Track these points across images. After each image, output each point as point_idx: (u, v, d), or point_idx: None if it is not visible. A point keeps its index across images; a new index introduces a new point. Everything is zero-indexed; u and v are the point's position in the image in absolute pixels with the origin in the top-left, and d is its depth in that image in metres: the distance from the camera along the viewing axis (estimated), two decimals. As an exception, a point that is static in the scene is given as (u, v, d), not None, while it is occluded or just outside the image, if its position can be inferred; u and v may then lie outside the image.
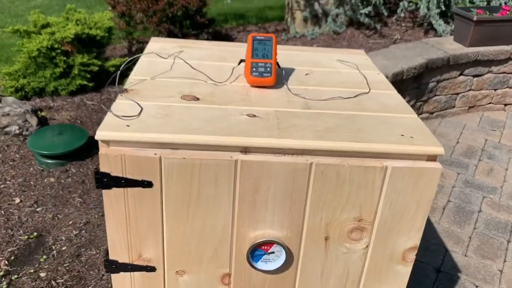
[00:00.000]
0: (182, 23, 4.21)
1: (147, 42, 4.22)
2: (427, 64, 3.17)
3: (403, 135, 1.04)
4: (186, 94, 1.15)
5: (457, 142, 3.39)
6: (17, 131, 3.16)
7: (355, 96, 1.22)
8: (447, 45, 3.41)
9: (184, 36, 4.19)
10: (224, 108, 1.10)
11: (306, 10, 4.53)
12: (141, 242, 1.05)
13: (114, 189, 1.00)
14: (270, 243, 1.06)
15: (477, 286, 2.26)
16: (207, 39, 4.26)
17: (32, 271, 2.22)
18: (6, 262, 2.27)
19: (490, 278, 2.32)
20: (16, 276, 2.19)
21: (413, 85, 3.24)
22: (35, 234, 2.43)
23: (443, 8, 4.26)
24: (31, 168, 2.89)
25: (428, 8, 4.20)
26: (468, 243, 2.53)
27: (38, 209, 2.60)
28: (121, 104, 1.08)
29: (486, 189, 2.96)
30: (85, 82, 3.67)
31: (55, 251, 2.34)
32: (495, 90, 3.63)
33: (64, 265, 2.26)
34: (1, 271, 2.21)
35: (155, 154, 0.96)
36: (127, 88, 1.15)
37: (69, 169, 2.89)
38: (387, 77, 2.92)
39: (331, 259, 1.09)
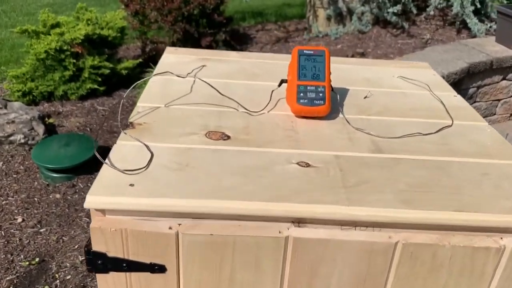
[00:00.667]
0: (198, 22, 3.88)
1: (161, 43, 3.90)
2: (468, 68, 2.80)
3: (523, 198, 0.71)
4: (212, 130, 0.83)
5: (499, 154, 3.03)
6: (22, 140, 2.87)
7: (437, 132, 0.89)
8: (489, 47, 3.04)
9: (201, 36, 3.86)
10: (265, 152, 0.78)
11: (329, 7, 4.17)
12: None
13: (112, 273, 0.68)
14: None
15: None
16: (225, 39, 3.93)
17: (32, 304, 1.93)
18: (4, 293, 1.98)
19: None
20: (14, 310, 1.91)
21: (452, 91, 2.88)
22: (37, 259, 2.14)
23: (478, 6, 3.87)
24: (36, 182, 2.60)
25: (462, 6, 3.82)
26: None
27: (41, 230, 2.30)
28: (124, 148, 0.76)
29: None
30: (95, 86, 3.37)
31: (58, 281, 2.04)
32: (539, 95, 3.25)
33: (68, 298, 1.97)
34: (-2, 304, 1.93)
35: (170, 228, 0.65)
36: (133, 122, 0.84)
37: (77, 184, 2.60)
38: (425, 83, 2.57)
39: None
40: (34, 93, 3.34)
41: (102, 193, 0.65)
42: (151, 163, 0.73)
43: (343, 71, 1.15)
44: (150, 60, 3.90)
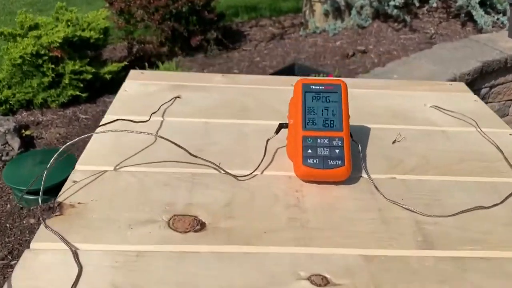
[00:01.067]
0: (188, 20, 3.57)
1: (149, 43, 3.59)
2: (482, 68, 2.52)
3: None
4: (180, 213, 0.55)
5: (514, 159, 2.77)
6: (-5, 157, 2.58)
7: (502, 201, 0.61)
8: (502, 43, 2.75)
9: (190, 34, 3.55)
10: (259, 257, 0.50)
11: (327, 1, 3.86)
12: None
13: None
14: None
15: None
16: (216, 37, 3.62)
17: None
18: None
19: None
20: None
21: (463, 93, 2.60)
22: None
23: (485, -3, 3.57)
24: (8, 205, 2.31)
25: (468, -3, 3.52)
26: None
27: (12, 263, 2.02)
28: (38, 257, 0.48)
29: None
30: (77, 93, 3.06)
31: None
32: (554, 94, 2.97)
33: None
34: None
35: None
36: (62, 203, 0.55)
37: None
38: (436, 86, 2.29)
39: None
40: (11, 101, 3.03)
41: None
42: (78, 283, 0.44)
43: (357, 99, 0.86)
44: (137, 61, 3.59)
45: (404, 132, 0.76)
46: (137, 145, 0.68)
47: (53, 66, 2.98)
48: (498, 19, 3.56)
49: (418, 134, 0.75)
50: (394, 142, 0.72)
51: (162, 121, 0.74)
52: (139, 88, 0.84)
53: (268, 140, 0.67)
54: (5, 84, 3.08)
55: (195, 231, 0.52)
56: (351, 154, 0.61)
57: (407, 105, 0.85)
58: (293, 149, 0.62)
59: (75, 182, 0.60)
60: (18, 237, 2.15)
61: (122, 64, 3.27)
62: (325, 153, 0.59)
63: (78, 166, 0.63)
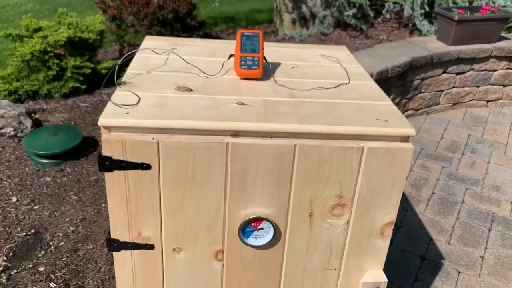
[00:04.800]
0: (172, 26, 4.31)
1: (138, 45, 4.31)
2: (411, 62, 3.30)
3: (378, 119, 1.15)
4: (180, 86, 1.26)
5: (442, 138, 3.52)
6: (12, 133, 3.24)
7: (336, 87, 1.34)
8: (431, 44, 3.55)
9: (175, 38, 4.28)
10: (216, 98, 1.21)
11: (294, 12, 4.66)
12: (140, 221, 1.16)
13: (115, 171, 1.10)
14: (259, 220, 1.16)
15: (459, 272, 2.38)
16: (198, 41, 4.36)
17: (30, 266, 2.30)
18: (5, 258, 2.34)
19: (472, 264, 2.44)
20: (15, 271, 2.27)
21: (398, 83, 3.37)
22: (32, 231, 2.51)
23: (427, 9, 4.41)
24: (27, 168, 2.97)
25: (412, 9, 4.35)
26: (451, 232, 2.66)
27: (35, 207, 2.68)
28: (121, 95, 1.18)
29: (468, 181, 3.10)
30: (78, 85, 3.75)
31: (52, 247, 2.42)
32: (477, 87, 3.78)
33: (62, 259, 2.35)
34: (0, 266, 2.29)
35: (153, 138, 1.07)
36: (125, 81, 1.26)
37: (64, 168, 2.98)
38: (372, 75, 3.05)
39: (316, 234, 1.20)
40: (19, 92, 3.70)
41: (109, 117, 1.07)
42: (139, 103, 1.15)
43: (281, 52, 1.59)
44: (128, 61, 4.31)
45: (298, 65, 1.48)
46: (156, 64, 1.39)
47: (57, 61, 3.67)
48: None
49: (306, 66, 1.48)
50: (292, 68, 1.45)
51: (168, 55, 1.45)
52: (153, 43, 1.56)
53: (224, 62, 1.40)
54: (14, 78, 3.76)
55: (188, 91, 1.23)
56: (265, 69, 1.33)
57: (306, 55, 1.58)
58: (236, 63, 1.34)
59: (127, 76, 1.30)
60: (38, 190, 2.81)
61: (117, 62, 3.98)
62: (250, 63, 1.31)
63: (128, 70, 1.33)
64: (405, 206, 2.83)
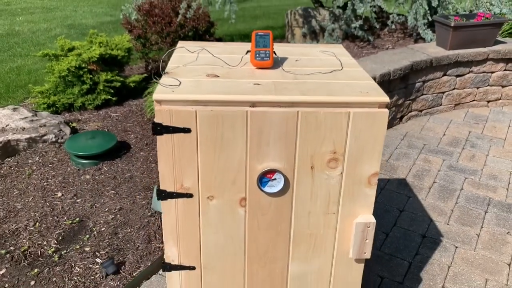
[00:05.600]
0: (192, 42, 4.77)
1: (162, 61, 4.78)
2: (411, 65, 3.69)
3: (361, 92, 1.54)
4: (210, 73, 1.67)
5: (444, 135, 3.88)
6: (54, 139, 3.70)
7: (330, 72, 1.73)
8: (430, 49, 3.94)
9: (195, 53, 4.74)
10: (237, 81, 1.62)
11: (304, 26, 5.10)
12: (182, 174, 1.56)
13: (164, 135, 1.50)
14: (272, 171, 1.55)
15: (456, 247, 2.72)
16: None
17: (77, 247, 2.71)
18: (55, 241, 2.76)
19: (468, 240, 2.78)
20: (65, 251, 2.68)
21: (401, 85, 3.75)
22: (77, 219, 2.93)
23: (430, 19, 4.81)
24: (69, 168, 3.41)
25: (416, 19, 4.75)
26: (450, 215, 2.99)
27: (77, 200, 3.10)
28: (166, 80, 1.60)
29: (468, 171, 3.44)
30: (109, 97, 4.22)
31: (95, 232, 2.83)
32: (477, 88, 4.13)
33: (105, 241, 2.75)
34: (52, 248, 2.70)
35: (192, 108, 1.47)
36: (168, 72, 1.68)
37: (102, 167, 3.41)
38: (374, 78, 3.44)
39: (317, 184, 1.59)
40: (57, 105, 4.18)
41: (160, 93, 1.48)
42: (180, 85, 1.56)
43: (288, 50, 2.00)
44: (150, 77, 4.78)
45: (302, 58, 1.89)
46: (190, 59, 1.80)
47: (90, 76, 4.15)
48: (441, 36, 4.77)
49: (308, 59, 1.89)
50: (296, 60, 1.85)
51: (198, 53, 1.87)
52: (186, 46, 1.98)
53: (242, 57, 1.81)
54: (51, 92, 4.24)
55: (215, 77, 1.64)
56: (274, 61, 1.74)
57: (308, 51, 1.99)
58: (252, 56, 1.75)
59: (170, 68, 1.72)
60: (79, 187, 3.24)
61: (143, 76, 4.46)
62: (263, 55, 1.72)
63: (169, 65, 1.75)
64: (408, 193, 3.18)
